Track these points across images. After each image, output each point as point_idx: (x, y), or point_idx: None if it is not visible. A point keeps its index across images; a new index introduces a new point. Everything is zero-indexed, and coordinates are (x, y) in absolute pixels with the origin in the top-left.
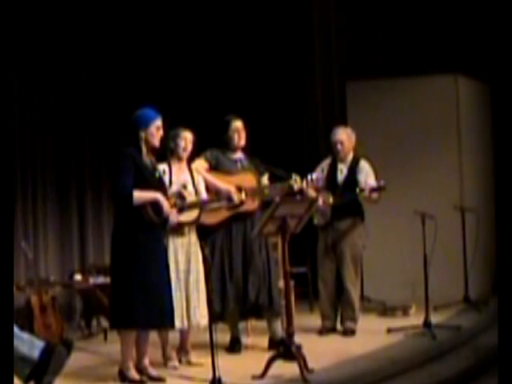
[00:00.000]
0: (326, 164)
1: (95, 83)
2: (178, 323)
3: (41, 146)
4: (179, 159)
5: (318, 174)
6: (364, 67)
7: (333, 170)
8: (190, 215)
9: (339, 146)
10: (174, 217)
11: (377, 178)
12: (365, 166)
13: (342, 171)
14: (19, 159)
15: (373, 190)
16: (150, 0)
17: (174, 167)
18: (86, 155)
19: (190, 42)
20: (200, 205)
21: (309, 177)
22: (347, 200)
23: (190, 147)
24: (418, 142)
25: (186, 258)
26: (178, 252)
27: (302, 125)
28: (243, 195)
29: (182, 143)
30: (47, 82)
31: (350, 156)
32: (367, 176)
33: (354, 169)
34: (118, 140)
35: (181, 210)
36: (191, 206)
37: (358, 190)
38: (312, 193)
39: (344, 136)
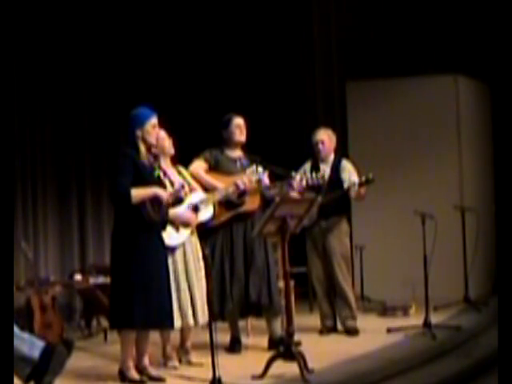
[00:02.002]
0: (307, 166)
1: (95, 83)
2: (200, 320)
3: (41, 146)
4: (166, 158)
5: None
6: (364, 67)
7: (315, 171)
8: (205, 213)
9: (320, 146)
10: (194, 219)
11: (359, 176)
12: (347, 165)
13: (326, 172)
14: (19, 159)
15: (362, 183)
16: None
17: (165, 167)
18: (86, 155)
19: (190, 43)
20: (211, 199)
21: (298, 177)
22: (335, 198)
23: (171, 144)
24: (418, 141)
25: (197, 256)
26: (194, 251)
27: (302, 125)
28: (246, 180)
29: (165, 143)
30: (47, 83)
31: (331, 157)
32: (350, 174)
33: (336, 168)
34: (117, 140)
35: (195, 209)
36: (204, 203)
37: (347, 185)
38: (293, 193)
39: (325, 136)
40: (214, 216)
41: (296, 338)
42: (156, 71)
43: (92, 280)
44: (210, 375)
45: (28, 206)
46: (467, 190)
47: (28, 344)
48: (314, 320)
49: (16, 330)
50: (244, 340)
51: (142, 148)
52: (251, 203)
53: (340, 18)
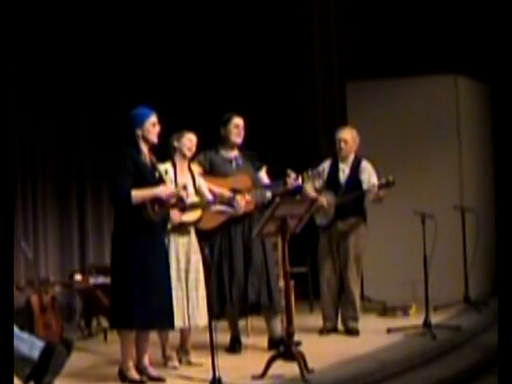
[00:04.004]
0: (326, 164)
1: (95, 83)
2: (180, 323)
3: (41, 146)
4: (183, 159)
5: (316, 170)
6: (364, 67)
7: (334, 170)
8: (191, 215)
9: (342, 144)
10: (176, 217)
11: (379, 178)
12: (367, 166)
13: (344, 171)
14: (19, 159)
15: (382, 185)
16: (150, 0)
17: (178, 167)
18: (86, 155)
19: (189, 43)
20: (203, 205)
21: (310, 172)
22: (354, 198)
23: (194, 149)
24: (418, 142)
25: (186, 258)
26: (179, 251)
27: (302, 125)
28: (247, 196)
29: (188, 143)
30: (47, 83)
31: (352, 156)
32: (370, 176)
33: (356, 169)
34: (117, 140)
35: (183, 209)
36: (193, 206)
37: (366, 187)
38: (311, 191)
39: (348, 136)
40: (201, 219)
41: (296, 338)
42: (156, 72)
43: (92, 280)
44: (209, 375)
45: (28, 205)
46: (467, 190)
47: (28, 344)
48: (314, 320)
49: (16, 330)
50: (244, 340)
51: (143, 147)
52: (248, 204)
53: (340, 18)
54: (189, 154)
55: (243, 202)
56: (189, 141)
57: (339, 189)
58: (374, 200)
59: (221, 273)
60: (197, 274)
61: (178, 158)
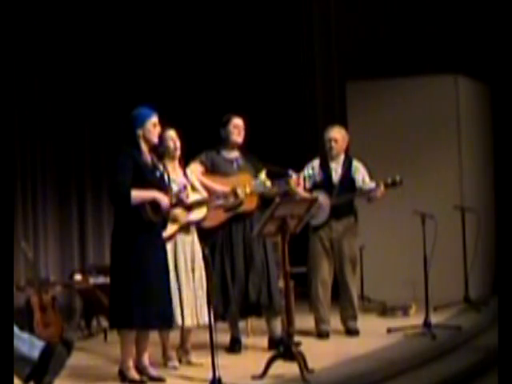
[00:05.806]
0: (316, 164)
1: (95, 83)
2: (189, 321)
3: (41, 145)
4: (173, 159)
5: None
6: (364, 67)
7: (326, 169)
8: (198, 213)
9: (333, 144)
10: (184, 217)
11: (371, 178)
12: (359, 165)
13: (337, 171)
14: (19, 159)
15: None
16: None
17: (169, 168)
18: (86, 155)
19: (189, 42)
20: (207, 201)
21: (295, 175)
22: (352, 198)
23: (178, 144)
24: (418, 141)
25: (191, 257)
26: (186, 251)
27: (302, 125)
28: (247, 189)
29: (171, 144)
30: (47, 83)
31: (342, 156)
32: (364, 175)
33: (348, 168)
34: (117, 140)
35: (189, 208)
36: (198, 204)
37: (368, 187)
38: (302, 192)
39: (338, 135)
40: (207, 217)
41: (296, 338)
42: (156, 72)
43: (92, 280)
44: (210, 375)
45: (28, 205)
46: (467, 190)
47: (28, 344)
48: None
49: (16, 330)
50: (244, 340)
51: (144, 147)
52: (249, 203)
53: (340, 18)
54: (176, 153)
55: (247, 191)
56: (171, 140)
57: (332, 189)
58: (370, 200)
59: (223, 273)
60: (201, 272)
61: (167, 160)
